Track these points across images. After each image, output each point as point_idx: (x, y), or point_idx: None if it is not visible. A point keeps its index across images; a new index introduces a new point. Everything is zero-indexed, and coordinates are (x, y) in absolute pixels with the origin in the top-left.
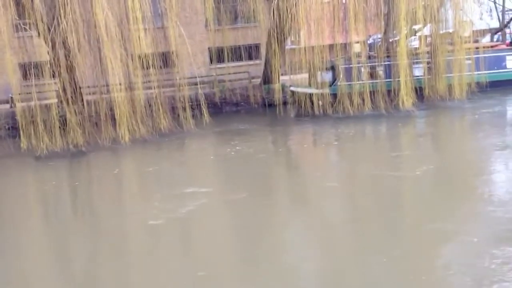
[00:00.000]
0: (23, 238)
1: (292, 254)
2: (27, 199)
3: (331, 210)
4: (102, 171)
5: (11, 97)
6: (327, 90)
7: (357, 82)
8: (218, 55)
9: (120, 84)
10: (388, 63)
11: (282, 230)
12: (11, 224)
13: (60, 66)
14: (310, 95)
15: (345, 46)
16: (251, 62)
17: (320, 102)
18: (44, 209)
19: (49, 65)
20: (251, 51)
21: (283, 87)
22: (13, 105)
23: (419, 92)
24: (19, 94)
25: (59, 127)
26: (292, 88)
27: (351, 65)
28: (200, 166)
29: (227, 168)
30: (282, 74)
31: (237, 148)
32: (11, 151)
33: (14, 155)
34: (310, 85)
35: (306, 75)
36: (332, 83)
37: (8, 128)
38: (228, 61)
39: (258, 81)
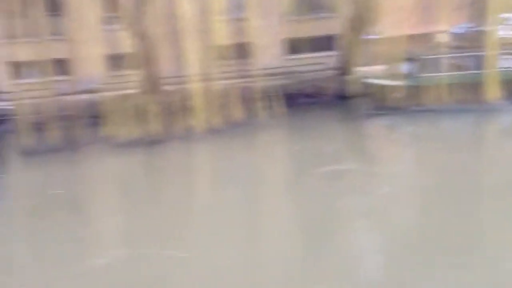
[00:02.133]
0: None
1: None
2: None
3: None
4: (178, 159)
5: (95, 87)
6: (406, 82)
7: (440, 74)
8: (294, 46)
9: (197, 75)
10: (474, 54)
11: None
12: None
13: (142, 57)
14: (388, 87)
15: (427, 36)
16: (327, 53)
17: (399, 95)
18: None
19: (132, 56)
20: (328, 42)
21: (360, 78)
22: (97, 95)
23: (507, 85)
24: (104, 84)
25: (138, 116)
26: (369, 80)
27: (433, 56)
28: (274, 159)
29: (300, 162)
30: (359, 66)
31: (310, 143)
32: (94, 138)
33: (96, 141)
34: (388, 77)
35: (384, 67)
36: (412, 75)
37: (93, 116)
38: (304, 52)
39: (334, 72)
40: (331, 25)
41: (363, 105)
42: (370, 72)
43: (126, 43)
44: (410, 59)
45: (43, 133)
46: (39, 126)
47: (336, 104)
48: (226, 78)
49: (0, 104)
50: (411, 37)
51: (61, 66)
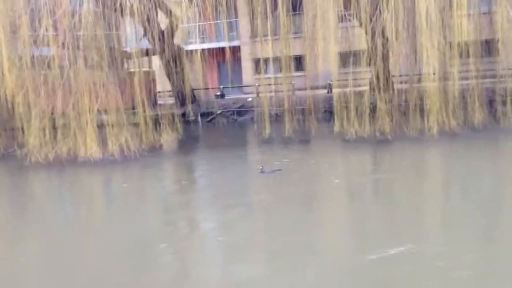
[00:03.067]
0: None
1: None
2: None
3: None
4: (406, 160)
5: (329, 83)
6: None
7: None
8: None
9: (434, 73)
10: None
11: None
12: None
13: (376, 54)
14: None
15: None
16: None
17: None
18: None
19: (366, 54)
20: None
21: None
22: (330, 91)
23: None
24: (337, 80)
25: (369, 113)
26: None
27: None
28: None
29: None
30: None
31: None
32: (325, 132)
33: (327, 136)
34: None
35: None
36: None
37: (325, 111)
38: None
39: None
40: None
41: None
42: None
43: (361, 40)
44: None
45: (280, 124)
46: (276, 118)
47: None
48: (467, 78)
49: (245, 96)
50: None
51: (299, 62)
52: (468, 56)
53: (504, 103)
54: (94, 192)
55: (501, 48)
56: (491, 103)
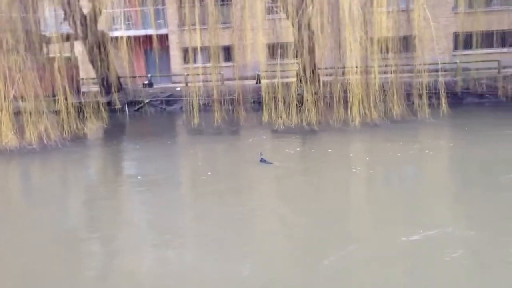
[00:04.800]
0: None
1: None
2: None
3: None
4: (331, 149)
5: (258, 74)
6: None
7: None
8: (464, 41)
9: (356, 67)
10: None
11: None
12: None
13: (303, 47)
14: None
15: None
16: (503, 50)
17: None
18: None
19: (293, 46)
20: (505, 38)
21: None
22: (258, 82)
23: None
24: (265, 71)
25: (296, 104)
26: None
27: None
28: (428, 162)
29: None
30: None
31: (480, 148)
32: (253, 122)
33: (255, 126)
34: None
35: None
36: None
37: (253, 102)
38: (475, 47)
39: (510, 71)
40: (510, 18)
41: None
42: None
43: (289, 33)
44: None
45: (209, 114)
46: (206, 108)
47: (510, 106)
48: (386, 72)
49: (174, 86)
50: None
51: (228, 52)
52: (387, 51)
53: (420, 96)
54: (7, 183)
55: (418, 45)
56: (408, 96)
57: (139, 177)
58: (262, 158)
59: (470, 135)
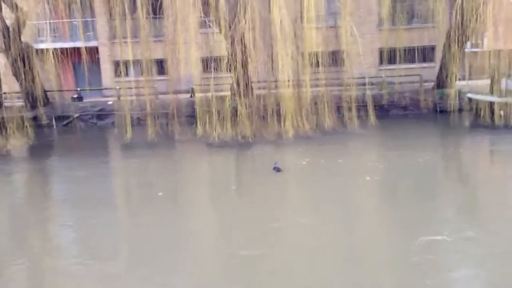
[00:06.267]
0: None
1: None
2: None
3: None
4: (265, 161)
5: (192, 88)
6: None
7: None
8: (389, 56)
9: (288, 80)
10: None
11: None
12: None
13: (236, 61)
14: (491, 103)
15: None
16: (424, 65)
17: (503, 112)
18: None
19: (226, 60)
20: (425, 53)
21: (459, 93)
22: (193, 95)
23: None
24: (199, 85)
25: (231, 118)
26: (469, 95)
27: None
28: (357, 169)
29: (387, 174)
30: (459, 79)
31: (403, 156)
32: (188, 136)
33: (190, 140)
34: (492, 92)
35: (487, 82)
36: None
37: (188, 116)
38: (399, 62)
39: (430, 85)
40: (431, 36)
41: (461, 120)
42: (472, 87)
43: (222, 47)
44: None
45: (142, 129)
46: (139, 122)
47: (431, 118)
48: (317, 85)
49: (105, 99)
50: None
51: (161, 66)
52: (318, 65)
53: (350, 109)
54: None
55: (346, 59)
56: (339, 109)
57: (64, 197)
58: (275, 167)
59: (395, 142)
